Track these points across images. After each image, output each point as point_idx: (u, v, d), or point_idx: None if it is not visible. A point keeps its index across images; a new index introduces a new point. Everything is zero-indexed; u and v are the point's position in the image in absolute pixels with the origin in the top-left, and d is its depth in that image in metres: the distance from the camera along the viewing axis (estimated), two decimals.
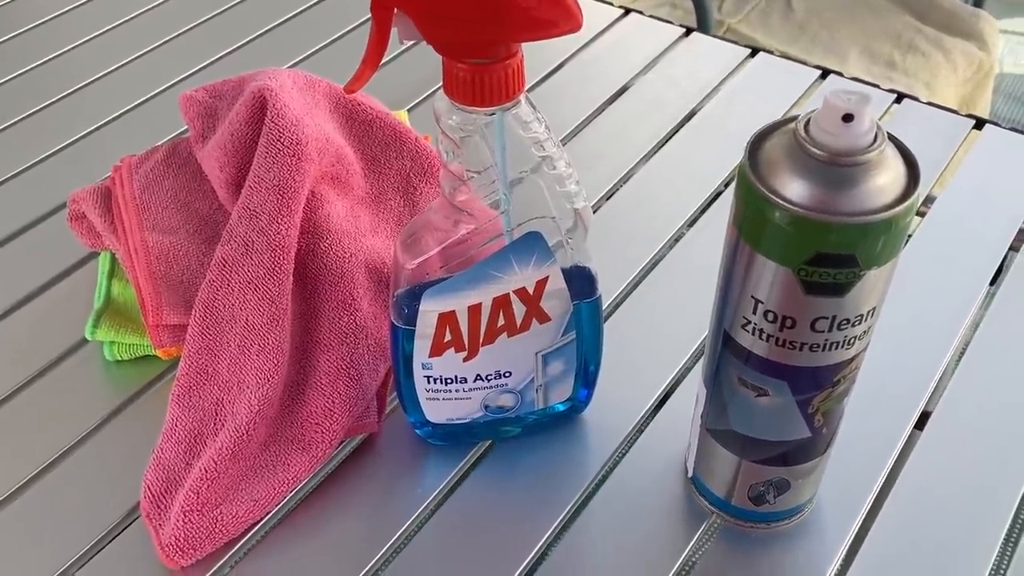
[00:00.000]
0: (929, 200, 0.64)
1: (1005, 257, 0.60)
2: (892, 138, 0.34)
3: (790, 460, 0.42)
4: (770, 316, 0.36)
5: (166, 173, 0.58)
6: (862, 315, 0.36)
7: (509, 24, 0.34)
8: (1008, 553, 0.45)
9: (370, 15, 0.35)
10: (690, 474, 0.47)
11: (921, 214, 0.63)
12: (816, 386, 0.38)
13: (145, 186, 0.57)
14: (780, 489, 0.43)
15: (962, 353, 0.54)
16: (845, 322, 0.35)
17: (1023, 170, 0.65)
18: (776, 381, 0.38)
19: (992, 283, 0.58)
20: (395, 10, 0.35)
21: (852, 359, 0.38)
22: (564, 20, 0.34)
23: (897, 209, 0.32)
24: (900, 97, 0.71)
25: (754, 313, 0.36)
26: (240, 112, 0.52)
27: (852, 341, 0.37)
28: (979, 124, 0.69)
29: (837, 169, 0.32)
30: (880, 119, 0.70)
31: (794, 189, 0.33)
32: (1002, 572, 0.44)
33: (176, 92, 0.69)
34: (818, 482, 0.45)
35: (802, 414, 0.39)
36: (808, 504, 0.46)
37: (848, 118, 0.32)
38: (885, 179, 0.33)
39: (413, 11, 0.34)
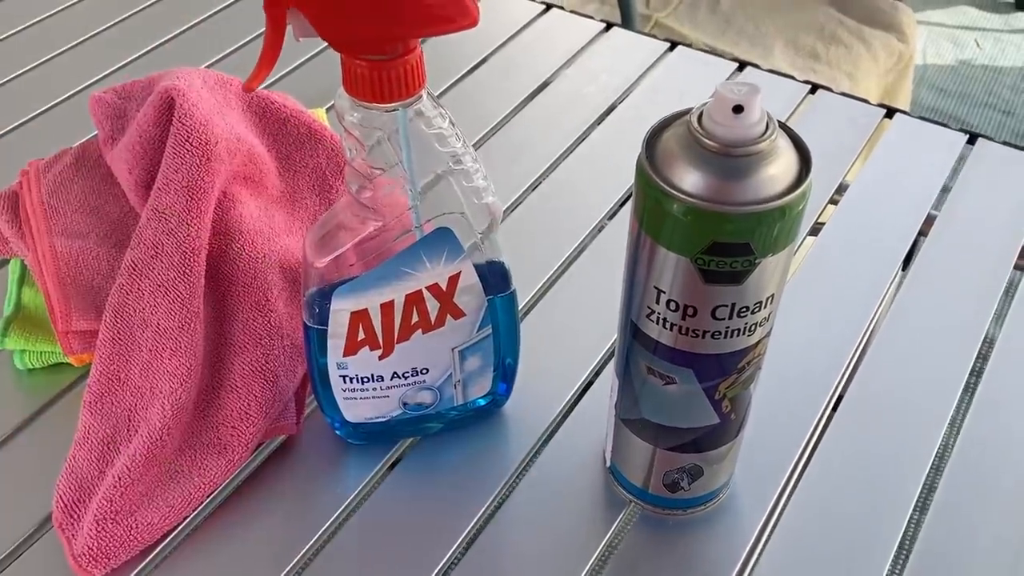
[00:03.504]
0: (841, 188, 0.65)
1: (915, 243, 0.61)
2: (784, 127, 0.35)
3: (702, 446, 0.42)
4: (672, 305, 0.36)
5: (75, 177, 0.57)
6: (761, 302, 0.36)
7: (404, 20, 0.34)
8: (913, 529, 0.46)
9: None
10: (608, 464, 0.47)
11: (834, 202, 0.65)
12: (721, 373, 0.39)
13: (53, 190, 0.56)
14: (694, 475, 0.44)
15: (873, 337, 0.55)
16: (745, 309, 0.36)
17: (932, 157, 0.67)
18: (682, 369, 0.39)
19: (903, 268, 0.60)
20: (289, 8, 0.34)
21: (755, 345, 0.38)
22: (460, 16, 0.34)
23: (789, 197, 0.33)
24: (814, 88, 0.73)
25: (658, 303, 0.37)
26: (148, 113, 0.51)
27: (753, 328, 0.37)
28: (890, 113, 0.71)
29: (730, 160, 0.33)
30: (795, 110, 0.71)
31: (689, 180, 0.33)
32: (908, 550, 0.45)
33: (87, 96, 0.67)
34: (732, 467, 0.46)
35: (710, 401, 0.40)
36: (723, 490, 0.46)
37: (738, 109, 0.33)
38: (777, 168, 0.33)
39: (306, 8, 0.34)
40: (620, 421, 0.44)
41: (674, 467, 0.43)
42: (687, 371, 0.39)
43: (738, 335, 0.37)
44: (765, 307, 0.37)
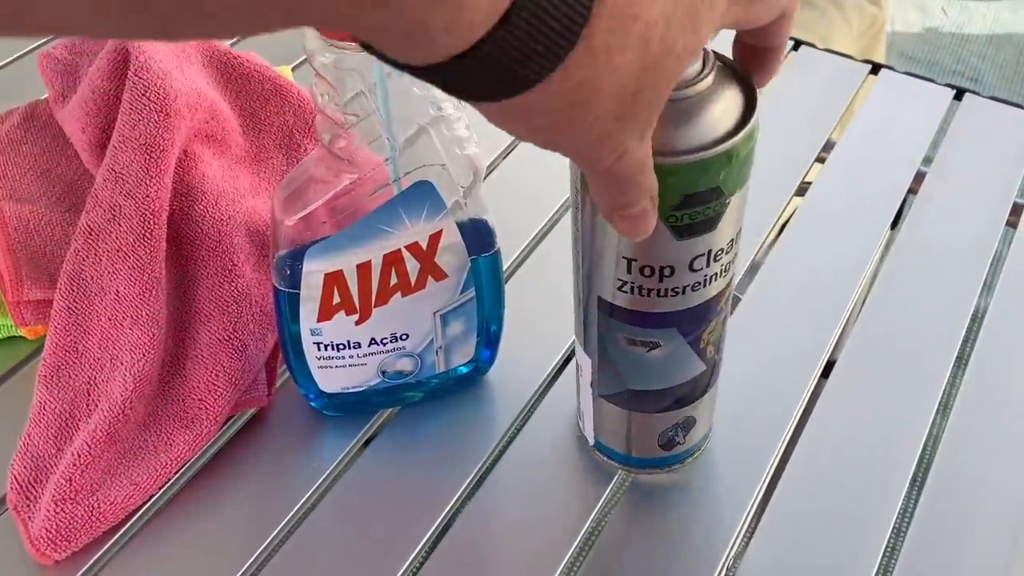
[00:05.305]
0: (828, 146, 0.63)
1: (904, 201, 0.60)
2: (719, 56, 0.33)
3: (693, 397, 0.41)
4: (647, 271, 0.34)
5: (24, 137, 0.53)
6: (733, 239, 0.35)
7: None
8: (915, 493, 0.45)
9: None
10: (592, 442, 0.45)
11: (821, 160, 0.63)
12: (704, 321, 0.37)
13: (0, 152, 0.52)
14: (687, 427, 0.42)
15: (865, 299, 0.54)
16: (720, 252, 0.35)
17: (919, 113, 0.65)
18: (666, 330, 0.37)
19: (892, 227, 0.58)
20: None
21: (728, 283, 0.37)
22: None
23: (751, 124, 0.31)
24: (797, 44, 0.71)
25: (629, 272, 0.35)
26: (101, 66, 0.48)
27: (728, 267, 0.36)
28: (875, 69, 0.69)
29: (674, 105, 0.30)
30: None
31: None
32: (910, 512, 0.44)
33: (37, 56, 0.64)
34: (714, 405, 0.44)
35: (695, 352, 0.38)
36: (710, 432, 0.45)
37: None
38: (725, 101, 0.32)
39: None
40: (601, 399, 0.42)
41: (668, 425, 0.42)
42: (671, 331, 0.37)
43: (716, 279, 0.36)
44: (735, 244, 0.36)
